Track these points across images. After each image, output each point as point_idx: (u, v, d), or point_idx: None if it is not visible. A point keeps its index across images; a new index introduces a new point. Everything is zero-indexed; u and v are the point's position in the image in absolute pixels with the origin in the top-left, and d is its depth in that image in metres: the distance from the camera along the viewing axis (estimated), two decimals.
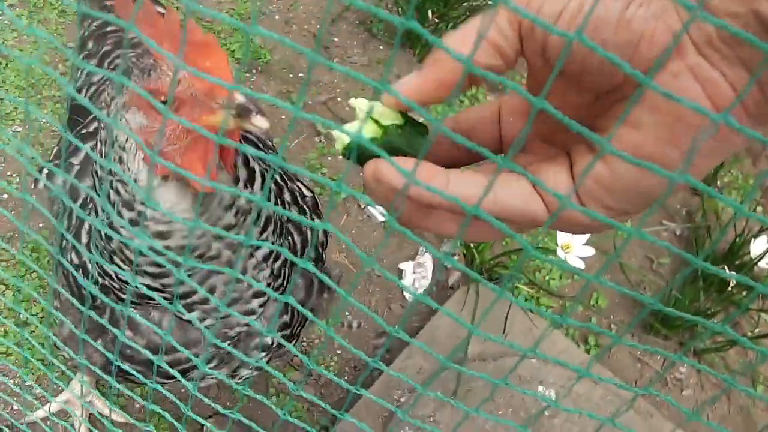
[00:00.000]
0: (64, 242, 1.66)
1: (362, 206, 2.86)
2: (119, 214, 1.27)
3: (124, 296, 1.45)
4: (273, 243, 1.44)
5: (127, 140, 1.21)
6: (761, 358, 0.55)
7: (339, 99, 3.13)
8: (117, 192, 1.26)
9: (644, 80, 0.46)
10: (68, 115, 2.00)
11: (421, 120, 0.69)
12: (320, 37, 3.23)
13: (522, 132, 0.49)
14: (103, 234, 1.35)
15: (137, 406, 2.42)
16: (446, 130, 0.51)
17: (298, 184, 1.73)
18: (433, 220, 0.67)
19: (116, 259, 1.37)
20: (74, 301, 0.95)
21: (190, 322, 1.49)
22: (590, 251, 2.53)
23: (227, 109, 1.04)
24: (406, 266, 2.77)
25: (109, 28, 2.16)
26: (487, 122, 0.72)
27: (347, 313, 2.70)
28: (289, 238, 1.58)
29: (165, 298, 1.42)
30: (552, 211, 0.61)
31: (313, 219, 1.67)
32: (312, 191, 1.74)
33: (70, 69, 2.41)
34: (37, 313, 2.60)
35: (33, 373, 2.48)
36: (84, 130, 1.80)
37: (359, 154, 0.64)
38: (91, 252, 1.46)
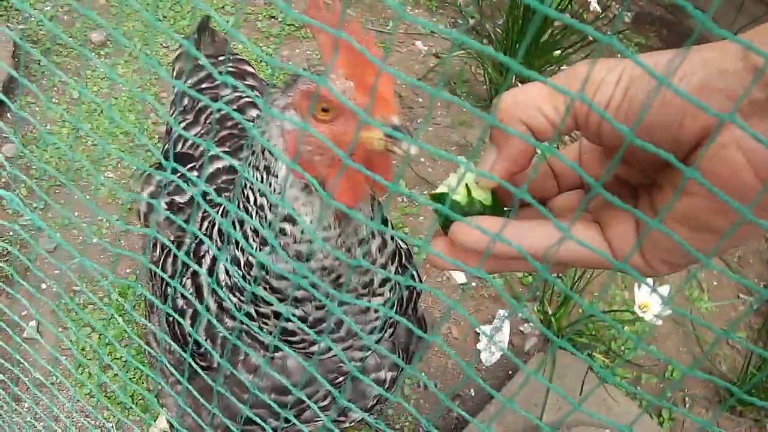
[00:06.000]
0: (169, 288, 1.69)
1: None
2: (263, 237, 1.26)
3: (260, 337, 1.46)
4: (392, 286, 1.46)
5: (275, 146, 1.20)
6: None
7: (422, 159, 3.18)
8: (260, 209, 1.26)
9: (688, 170, 0.48)
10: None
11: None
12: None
13: (580, 205, 0.53)
14: (244, 262, 1.34)
15: None
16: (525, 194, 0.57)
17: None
18: (506, 266, 0.75)
19: (260, 289, 1.36)
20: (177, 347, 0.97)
21: (320, 355, 1.50)
22: (666, 311, 2.51)
23: (382, 128, 1.03)
24: (484, 329, 2.78)
25: (204, 86, 2.25)
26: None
27: (423, 374, 2.71)
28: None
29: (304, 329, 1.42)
30: (618, 257, 0.68)
31: (407, 268, 1.69)
32: (405, 243, 1.75)
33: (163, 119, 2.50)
34: (120, 357, 2.67)
35: (115, 416, 2.54)
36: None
37: (445, 216, 0.74)
38: (220, 286, 1.47)
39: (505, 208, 0.81)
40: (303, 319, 1.37)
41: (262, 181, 1.24)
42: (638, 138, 0.59)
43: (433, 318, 2.77)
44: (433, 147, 0.58)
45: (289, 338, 1.44)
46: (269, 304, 1.39)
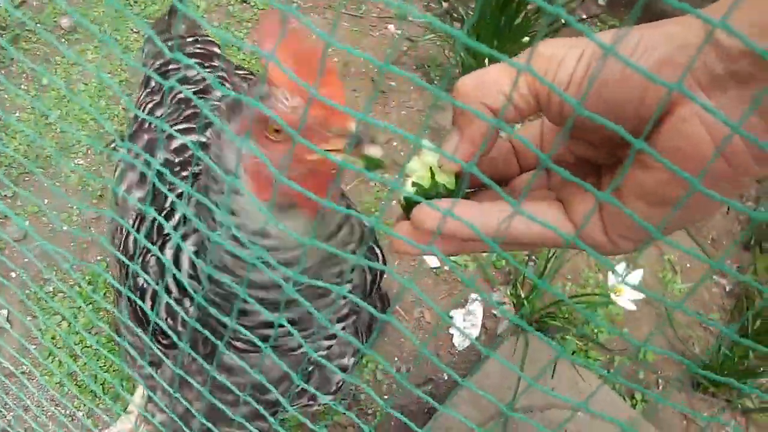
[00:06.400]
0: (130, 267, 1.67)
1: None
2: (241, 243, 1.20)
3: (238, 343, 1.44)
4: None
5: (237, 167, 1.14)
6: None
7: (395, 143, 3.18)
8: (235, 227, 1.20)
9: (638, 142, 0.48)
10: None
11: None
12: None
13: (532, 177, 0.52)
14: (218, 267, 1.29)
15: None
16: (481, 175, 0.56)
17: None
18: (467, 247, 0.74)
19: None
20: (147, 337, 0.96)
21: (293, 350, 1.50)
22: (640, 295, 2.51)
23: (344, 138, 1.00)
24: (456, 314, 2.78)
25: (171, 67, 2.24)
26: (534, 142, 0.79)
27: (395, 358, 2.71)
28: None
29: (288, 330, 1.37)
30: (582, 236, 0.67)
31: (373, 248, 1.69)
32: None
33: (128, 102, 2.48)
34: (90, 346, 2.65)
35: (85, 405, 2.52)
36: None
37: (408, 201, 0.75)
38: (191, 275, 1.42)
39: (470, 191, 0.80)
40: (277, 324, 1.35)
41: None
42: (601, 115, 0.57)
43: (392, 292, 2.77)
44: (403, 130, 0.57)
45: (265, 342, 1.42)
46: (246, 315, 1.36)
